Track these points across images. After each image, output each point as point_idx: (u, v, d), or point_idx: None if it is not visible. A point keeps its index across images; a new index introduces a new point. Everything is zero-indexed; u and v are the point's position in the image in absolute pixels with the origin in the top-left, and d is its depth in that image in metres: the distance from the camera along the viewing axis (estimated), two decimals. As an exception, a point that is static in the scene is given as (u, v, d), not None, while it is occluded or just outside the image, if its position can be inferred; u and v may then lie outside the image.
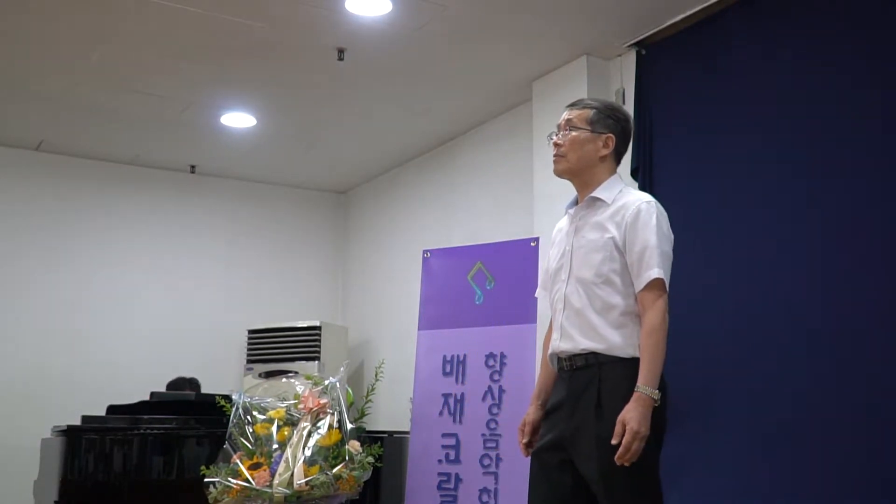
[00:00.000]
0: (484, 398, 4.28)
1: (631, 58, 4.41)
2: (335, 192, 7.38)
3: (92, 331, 6.19)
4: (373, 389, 3.91)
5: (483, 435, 4.23)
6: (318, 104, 5.38)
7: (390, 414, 5.82)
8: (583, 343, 2.46)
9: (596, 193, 2.58)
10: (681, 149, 4.07)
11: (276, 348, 6.27)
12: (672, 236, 2.53)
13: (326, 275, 7.26)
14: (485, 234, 5.22)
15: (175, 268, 6.60)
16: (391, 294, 6.43)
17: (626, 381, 2.35)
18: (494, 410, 4.24)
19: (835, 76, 3.45)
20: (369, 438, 3.61)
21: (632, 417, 2.28)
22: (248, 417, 3.45)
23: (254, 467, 3.26)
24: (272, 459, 3.29)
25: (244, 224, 6.94)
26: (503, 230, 5.12)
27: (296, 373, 5.76)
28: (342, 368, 3.70)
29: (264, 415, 3.46)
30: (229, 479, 3.24)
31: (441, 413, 4.36)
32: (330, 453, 3.32)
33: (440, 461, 4.29)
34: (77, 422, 4.23)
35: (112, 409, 4.49)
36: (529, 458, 2.61)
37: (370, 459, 3.37)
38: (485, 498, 4.15)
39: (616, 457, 2.27)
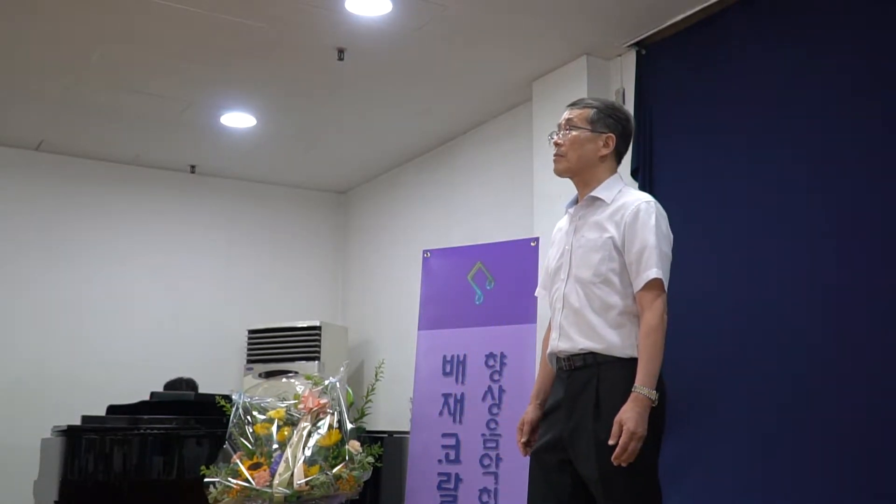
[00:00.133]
0: (484, 398, 4.28)
1: (631, 58, 4.40)
2: (335, 192, 7.38)
3: (92, 331, 6.19)
4: (373, 389, 3.91)
5: (483, 435, 4.23)
6: (318, 104, 5.38)
7: (390, 414, 5.82)
8: (581, 343, 2.46)
9: (595, 193, 2.58)
10: (681, 149, 4.07)
11: (276, 348, 6.27)
12: (671, 236, 2.53)
13: (326, 275, 7.26)
14: (485, 234, 5.22)
15: (175, 268, 6.60)
16: (391, 294, 6.43)
17: (625, 382, 2.35)
18: (494, 410, 4.24)
19: (835, 76, 3.45)
20: (369, 438, 3.61)
21: (629, 418, 2.28)
22: (248, 417, 3.45)
23: (254, 467, 3.26)
24: (272, 459, 3.29)
25: (244, 224, 6.94)
26: (503, 230, 5.12)
27: (296, 373, 5.76)
28: (342, 368, 3.70)
29: (264, 415, 3.46)
30: (229, 479, 3.24)
31: (441, 413, 4.36)
32: (330, 453, 3.32)
33: (440, 461, 4.29)
34: (77, 422, 4.23)
35: (112, 409, 4.49)
36: (529, 458, 2.61)
37: (370, 459, 3.37)
38: (485, 498, 4.15)
39: (613, 457, 2.27)
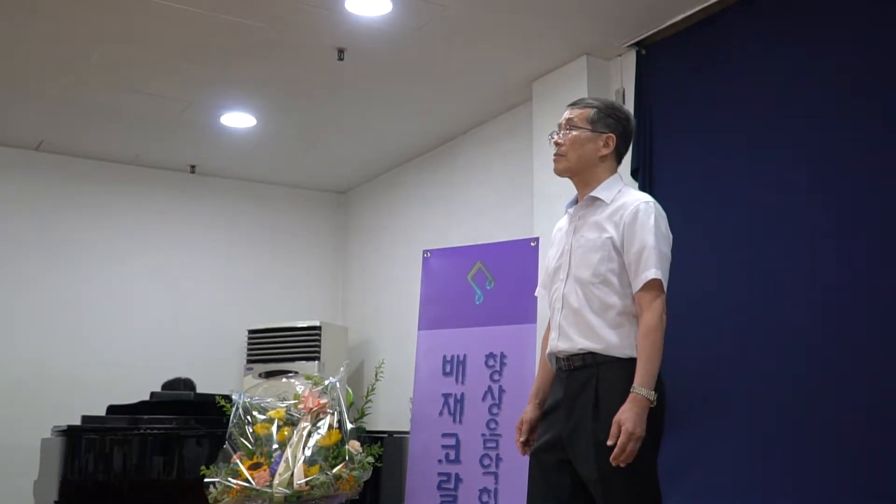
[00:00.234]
0: (484, 398, 4.28)
1: (631, 58, 4.40)
2: (335, 192, 7.38)
3: (92, 331, 6.19)
4: (373, 389, 3.91)
5: (483, 435, 4.23)
6: (318, 104, 5.38)
7: (390, 414, 5.82)
8: (580, 343, 2.46)
9: (595, 193, 2.58)
10: (681, 149, 4.07)
11: (276, 348, 6.27)
12: (671, 237, 2.53)
13: (326, 275, 7.26)
14: (485, 234, 5.22)
15: (175, 268, 6.60)
16: (391, 294, 6.43)
17: (624, 382, 2.35)
18: (494, 410, 4.24)
19: (835, 76, 3.45)
20: (369, 438, 3.61)
21: (627, 418, 2.28)
22: (248, 417, 3.45)
23: (254, 467, 3.26)
24: (272, 459, 3.29)
25: (244, 224, 6.94)
26: (503, 230, 5.12)
27: (296, 373, 5.76)
28: (342, 368, 3.70)
29: (264, 415, 3.46)
30: (229, 479, 3.24)
31: (441, 413, 4.36)
32: (330, 453, 3.32)
33: (440, 461, 4.29)
34: (77, 422, 4.23)
35: (112, 409, 4.49)
36: (529, 457, 2.61)
37: (370, 459, 3.37)
38: (485, 498, 4.15)
39: (611, 458, 2.27)
